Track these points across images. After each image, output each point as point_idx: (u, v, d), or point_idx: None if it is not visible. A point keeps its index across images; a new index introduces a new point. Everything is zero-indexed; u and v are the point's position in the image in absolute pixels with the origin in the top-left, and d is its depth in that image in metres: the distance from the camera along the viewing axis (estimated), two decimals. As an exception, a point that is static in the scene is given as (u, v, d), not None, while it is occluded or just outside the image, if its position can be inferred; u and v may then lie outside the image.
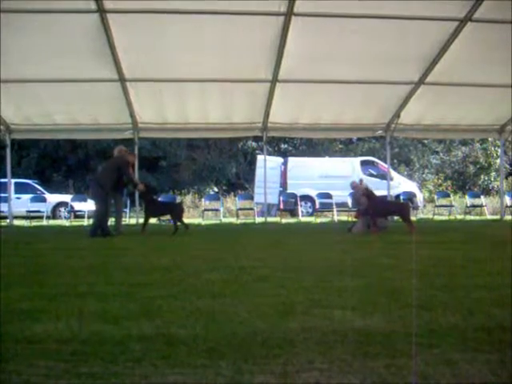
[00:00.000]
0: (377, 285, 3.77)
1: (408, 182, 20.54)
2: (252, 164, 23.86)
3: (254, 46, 10.55)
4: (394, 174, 19.06)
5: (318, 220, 15.10)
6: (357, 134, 17.89)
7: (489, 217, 15.94)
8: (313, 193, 17.84)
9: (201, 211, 16.67)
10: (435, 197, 18.58)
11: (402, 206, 11.24)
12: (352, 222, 11.03)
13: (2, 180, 15.02)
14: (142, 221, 10.50)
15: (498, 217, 15.33)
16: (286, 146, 28.66)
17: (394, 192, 16.37)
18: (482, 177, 26.95)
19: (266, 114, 13.08)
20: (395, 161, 25.28)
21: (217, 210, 16.39)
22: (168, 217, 11.16)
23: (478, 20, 9.73)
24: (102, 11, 9.24)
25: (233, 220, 15.45)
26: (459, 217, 16.15)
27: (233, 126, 13.76)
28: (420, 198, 19.50)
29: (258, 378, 1.96)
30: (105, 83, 11.64)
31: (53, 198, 18.06)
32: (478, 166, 27.43)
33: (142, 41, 10.27)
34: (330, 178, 18.58)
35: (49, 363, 2.11)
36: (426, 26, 10.02)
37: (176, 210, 10.07)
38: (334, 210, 15.32)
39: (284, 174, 19.41)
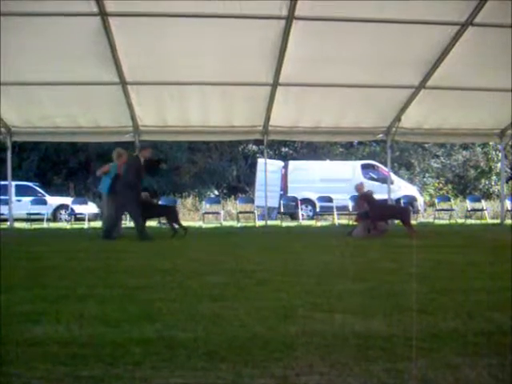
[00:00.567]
0: (377, 288, 3.77)
1: (408, 186, 20.49)
2: (252, 167, 23.84)
3: (254, 50, 10.55)
4: (394, 177, 19.04)
5: (319, 223, 15.10)
6: (357, 137, 17.94)
7: (489, 221, 15.93)
8: (313, 196, 17.84)
9: (201, 214, 16.67)
10: (436, 201, 18.58)
11: (402, 209, 11.24)
12: (353, 225, 11.02)
13: (3, 182, 15.00)
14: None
15: (498, 221, 15.31)
16: (286, 149, 28.65)
17: (394, 196, 16.36)
18: (483, 181, 26.95)
19: (267, 118, 13.08)
20: (396, 164, 25.29)
21: (217, 213, 16.36)
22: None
23: (479, 24, 9.73)
24: (103, 14, 9.25)
25: (233, 223, 15.43)
26: (460, 221, 16.12)
27: (233, 130, 13.75)
28: (420, 201, 19.47)
29: (258, 381, 1.96)
30: (106, 86, 11.64)
31: (53, 201, 18.08)
32: (478, 170, 27.44)
33: (144, 44, 10.28)
34: (331, 181, 18.53)
35: (49, 366, 2.11)
36: (427, 30, 10.03)
37: (171, 213, 10.09)
38: (335, 213, 15.32)
39: (284, 178, 19.37)
